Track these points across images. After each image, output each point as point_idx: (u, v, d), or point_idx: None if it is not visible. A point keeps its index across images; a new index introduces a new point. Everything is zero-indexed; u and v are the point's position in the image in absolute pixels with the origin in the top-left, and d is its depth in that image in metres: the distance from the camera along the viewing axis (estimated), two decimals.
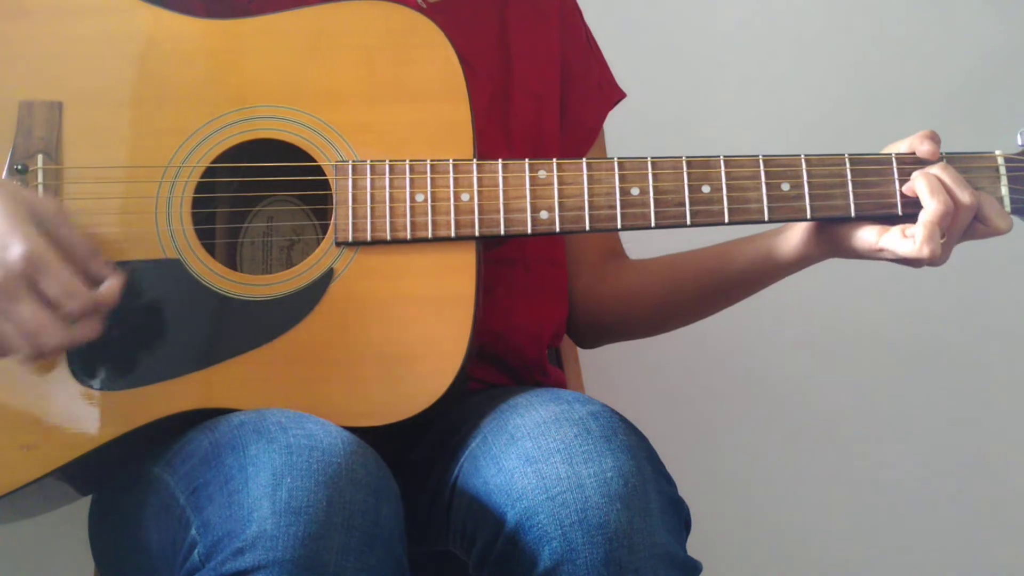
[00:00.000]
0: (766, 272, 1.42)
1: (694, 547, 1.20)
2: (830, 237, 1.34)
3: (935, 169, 1.28)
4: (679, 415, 1.99)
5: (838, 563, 2.05)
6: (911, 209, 1.29)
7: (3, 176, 1.26)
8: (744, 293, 1.46)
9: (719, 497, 1.97)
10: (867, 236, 1.30)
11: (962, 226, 1.28)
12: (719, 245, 1.45)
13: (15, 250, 1.13)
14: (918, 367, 2.06)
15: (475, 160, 1.28)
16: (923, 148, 1.30)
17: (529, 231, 1.28)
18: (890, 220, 1.30)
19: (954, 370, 2.06)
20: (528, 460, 1.18)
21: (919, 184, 1.27)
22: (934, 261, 1.28)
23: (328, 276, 1.27)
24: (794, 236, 1.37)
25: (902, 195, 1.30)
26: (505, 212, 1.28)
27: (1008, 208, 1.30)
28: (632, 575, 1.13)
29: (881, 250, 1.29)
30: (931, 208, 1.26)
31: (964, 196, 1.27)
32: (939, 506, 2.06)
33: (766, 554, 2.03)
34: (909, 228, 1.27)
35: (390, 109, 1.29)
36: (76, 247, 1.18)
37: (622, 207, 1.29)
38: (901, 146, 1.32)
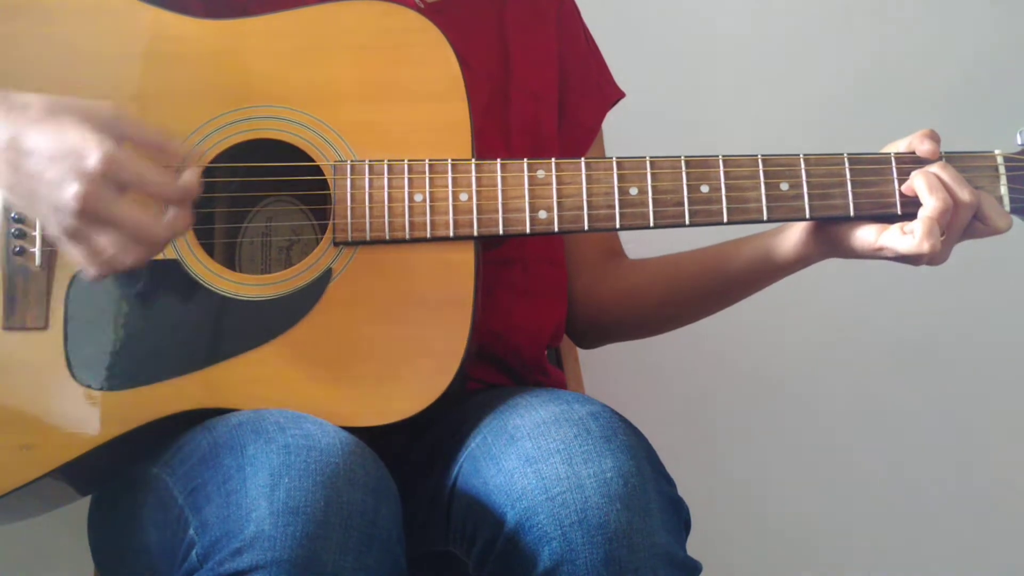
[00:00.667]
0: (765, 272, 1.42)
1: (694, 547, 1.20)
2: (828, 237, 1.34)
3: (934, 168, 1.28)
4: (679, 415, 1.99)
5: (838, 563, 2.05)
6: (910, 208, 1.29)
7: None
8: (743, 293, 1.46)
9: (719, 497, 1.97)
10: (866, 235, 1.30)
11: (962, 225, 1.28)
12: (718, 245, 1.45)
13: (92, 157, 1.12)
14: (919, 367, 2.06)
15: (473, 160, 1.28)
16: (923, 147, 1.30)
17: (528, 231, 1.28)
18: (889, 219, 1.30)
19: (955, 370, 2.06)
20: (528, 460, 1.18)
21: (918, 182, 1.27)
22: (934, 259, 1.28)
23: (327, 276, 1.27)
24: (792, 236, 1.37)
25: (901, 194, 1.30)
26: (504, 212, 1.28)
27: (1008, 207, 1.30)
28: (632, 575, 1.12)
29: (880, 249, 1.29)
30: (930, 205, 1.26)
31: (963, 194, 1.27)
32: (939, 506, 2.06)
33: (766, 554, 2.03)
34: (908, 225, 1.27)
35: (388, 109, 1.30)
36: (145, 139, 1.18)
37: (621, 207, 1.29)
38: (900, 145, 1.32)
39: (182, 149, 1.22)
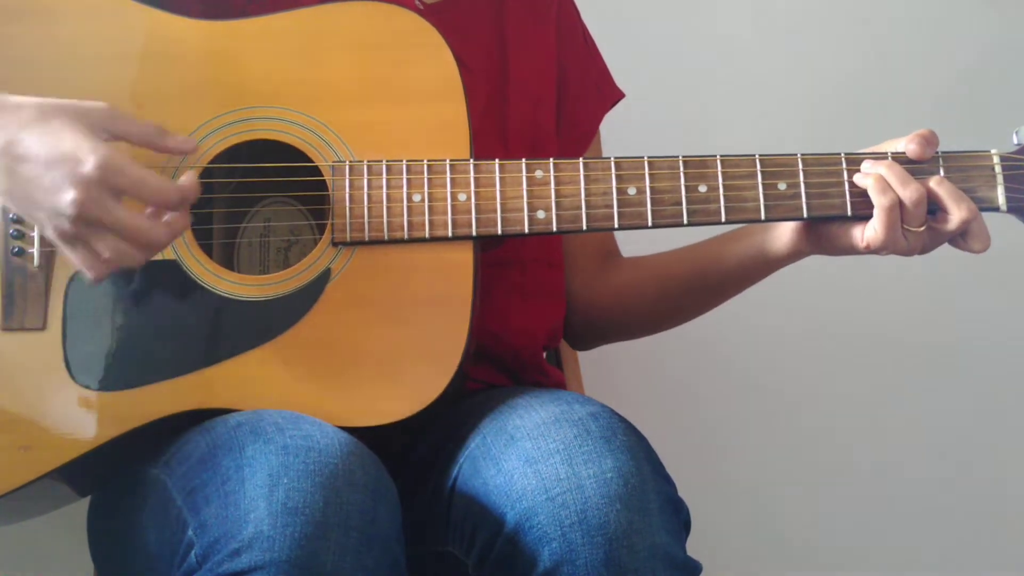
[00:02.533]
0: (757, 269, 1.42)
1: (693, 547, 1.20)
2: (819, 236, 1.34)
3: (882, 168, 1.29)
4: (678, 415, 1.99)
5: (838, 563, 2.05)
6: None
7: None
8: (737, 289, 1.47)
9: (718, 497, 1.96)
10: (855, 234, 1.31)
11: (914, 217, 1.28)
12: (709, 242, 1.45)
13: (88, 163, 1.13)
14: (919, 367, 2.06)
15: (472, 160, 1.28)
16: (909, 147, 1.30)
17: (526, 231, 1.28)
18: None
19: (955, 371, 2.06)
20: (528, 461, 1.18)
21: (868, 184, 1.28)
22: (906, 249, 1.29)
23: (325, 276, 1.27)
24: (784, 235, 1.37)
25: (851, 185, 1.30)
26: (502, 212, 1.28)
27: (1004, 207, 1.30)
28: (632, 575, 1.12)
29: (867, 246, 1.30)
30: (879, 203, 1.27)
31: (907, 192, 1.27)
32: (939, 506, 2.06)
33: (766, 554, 2.03)
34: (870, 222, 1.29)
35: (387, 110, 1.30)
36: (142, 138, 1.19)
37: (619, 207, 1.29)
38: (900, 144, 1.32)
39: (179, 144, 1.22)
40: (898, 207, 1.28)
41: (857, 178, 1.30)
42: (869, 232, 1.29)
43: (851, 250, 1.32)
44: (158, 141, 1.21)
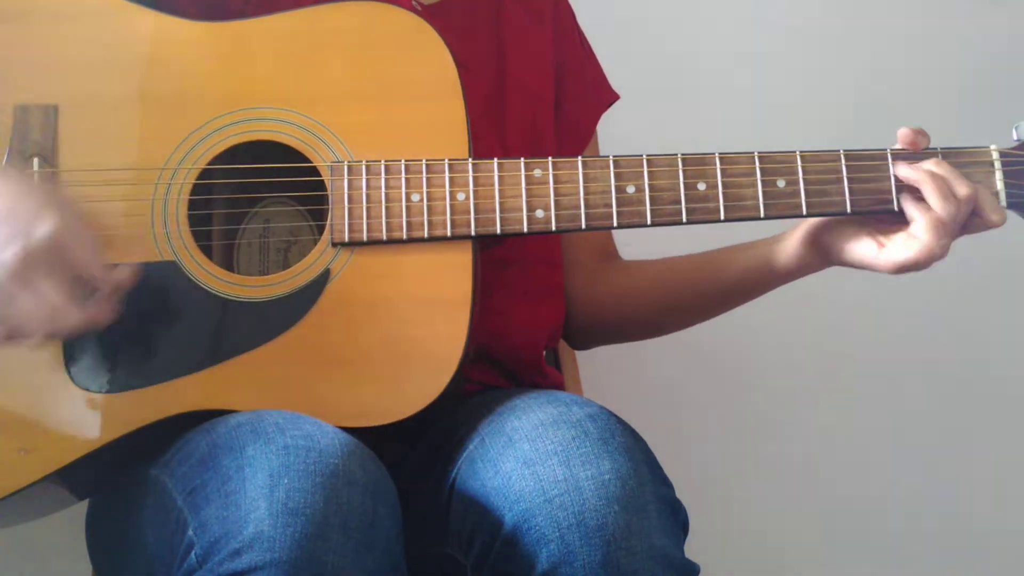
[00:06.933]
0: (762, 280, 1.42)
1: (691, 549, 1.20)
2: (826, 246, 1.34)
3: (933, 166, 1.28)
4: (677, 417, 1.99)
5: (835, 565, 2.05)
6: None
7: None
8: (740, 300, 1.46)
9: (716, 499, 1.96)
10: (865, 249, 1.30)
11: (962, 220, 1.28)
12: (716, 251, 1.45)
13: (44, 226, 1.13)
14: (917, 370, 2.06)
15: (470, 159, 1.29)
16: (901, 132, 1.30)
17: (525, 230, 1.28)
18: (886, 215, 1.30)
19: (951, 376, 2.06)
20: (526, 462, 1.18)
21: (925, 187, 1.27)
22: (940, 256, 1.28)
23: (325, 277, 1.27)
24: (790, 244, 1.37)
25: (898, 188, 1.30)
26: (501, 211, 1.28)
27: (1004, 203, 1.31)
28: None
29: (884, 261, 1.29)
30: (942, 211, 1.26)
31: (962, 190, 1.27)
32: (935, 510, 2.06)
33: (763, 556, 2.03)
34: (912, 229, 1.27)
35: (385, 110, 1.30)
36: (91, 236, 1.19)
37: (618, 205, 1.29)
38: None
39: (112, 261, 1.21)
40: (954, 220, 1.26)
41: (904, 172, 1.28)
42: (914, 245, 1.26)
43: (862, 264, 1.31)
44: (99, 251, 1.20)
